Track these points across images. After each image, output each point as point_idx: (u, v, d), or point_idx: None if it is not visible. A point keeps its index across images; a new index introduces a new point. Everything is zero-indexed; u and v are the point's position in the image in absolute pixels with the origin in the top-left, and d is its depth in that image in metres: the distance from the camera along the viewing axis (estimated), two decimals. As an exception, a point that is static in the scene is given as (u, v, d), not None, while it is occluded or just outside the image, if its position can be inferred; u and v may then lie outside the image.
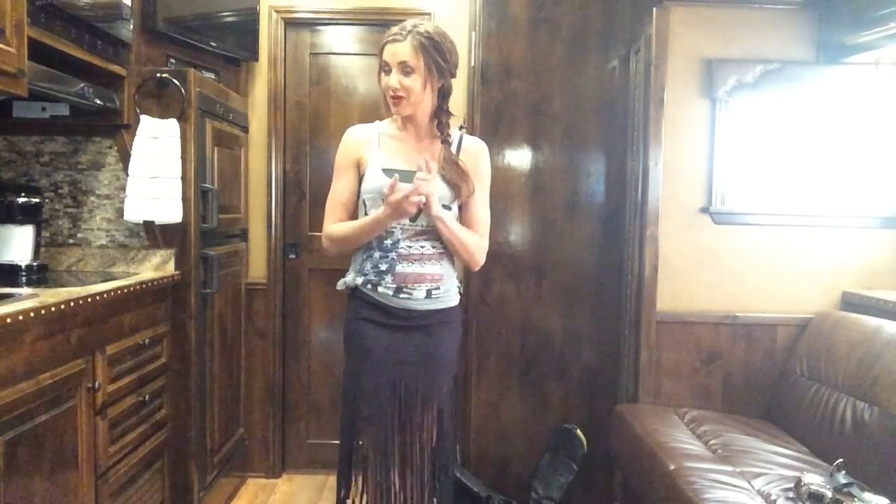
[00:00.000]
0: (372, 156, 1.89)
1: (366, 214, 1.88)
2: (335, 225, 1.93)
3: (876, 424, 2.08)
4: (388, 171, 1.83)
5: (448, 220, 1.84)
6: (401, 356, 1.88)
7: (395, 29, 1.84)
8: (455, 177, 1.87)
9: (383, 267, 1.86)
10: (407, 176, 1.80)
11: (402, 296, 1.86)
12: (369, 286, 1.87)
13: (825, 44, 2.63)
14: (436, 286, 1.89)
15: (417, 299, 1.87)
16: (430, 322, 1.90)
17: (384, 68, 1.84)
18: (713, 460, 2.14)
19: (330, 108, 3.26)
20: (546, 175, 2.97)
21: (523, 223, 2.98)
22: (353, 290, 1.92)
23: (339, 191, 1.95)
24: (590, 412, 2.97)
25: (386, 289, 1.85)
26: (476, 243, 1.92)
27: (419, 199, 1.72)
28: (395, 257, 1.85)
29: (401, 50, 1.80)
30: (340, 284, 1.96)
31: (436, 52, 1.82)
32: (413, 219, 1.83)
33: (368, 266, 1.88)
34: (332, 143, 3.23)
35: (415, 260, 1.86)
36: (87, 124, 2.36)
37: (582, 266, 2.97)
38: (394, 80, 1.81)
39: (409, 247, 1.86)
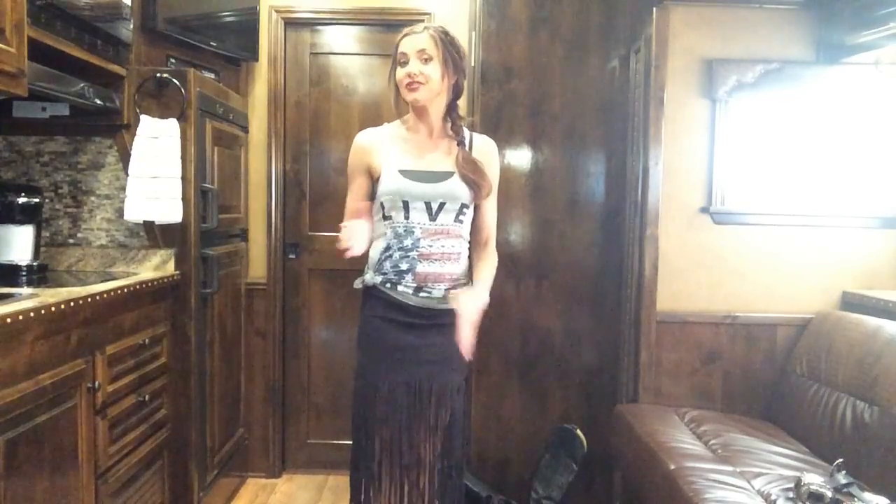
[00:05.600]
0: (385, 158, 1.89)
1: (384, 216, 1.88)
2: None
3: (876, 424, 2.08)
4: (405, 173, 1.85)
5: (485, 292, 1.89)
6: (417, 355, 1.88)
7: (407, 28, 1.88)
8: (474, 177, 1.89)
9: (404, 266, 1.86)
10: (423, 176, 1.84)
11: (422, 294, 1.86)
12: (388, 285, 1.87)
13: (825, 44, 2.63)
14: (454, 286, 1.90)
15: (437, 298, 1.88)
16: (447, 322, 1.89)
17: (400, 60, 1.85)
18: (713, 460, 2.14)
19: (330, 108, 3.26)
20: (546, 175, 2.97)
21: (523, 223, 2.98)
22: (371, 289, 1.91)
23: (353, 198, 1.96)
24: (590, 412, 2.98)
25: (406, 287, 1.86)
26: (493, 268, 1.98)
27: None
28: (415, 256, 1.85)
29: (420, 40, 1.83)
30: (358, 283, 1.96)
31: (451, 47, 1.86)
32: (433, 217, 1.85)
33: (388, 265, 1.87)
34: (332, 143, 3.26)
35: (435, 259, 1.86)
36: (87, 124, 2.36)
37: (582, 266, 2.98)
38: (413, 66, 1.83)
39: (430, 245, 1.86)
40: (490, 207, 1.99)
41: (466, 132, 1.97)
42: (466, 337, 1.76)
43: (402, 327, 1.88)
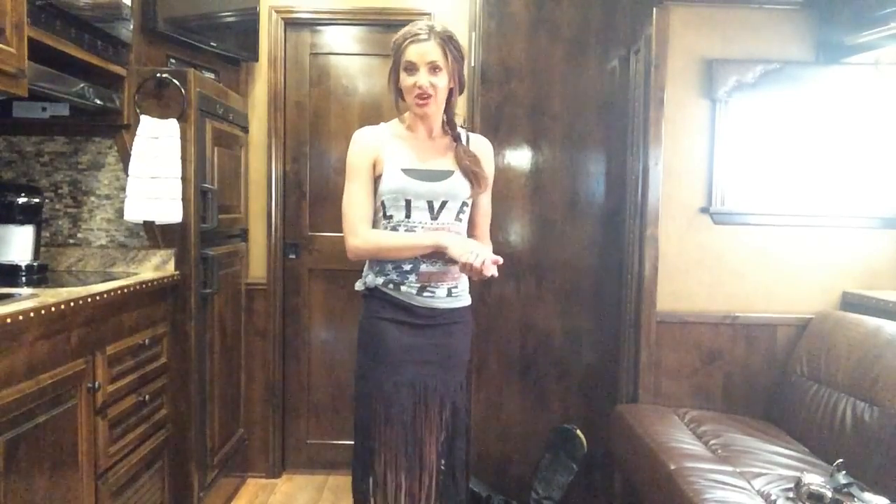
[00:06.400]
0: (388, 156, 1.88)
1: (385, 216, 1.87)
2: (375, 233, 1.87)
3: (876, 424, 2.08)
4: (407, 171, 1.85)
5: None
6: (421, 356, 1.88)
7: (412, 29, 1.84)
8: (476, 168, 1.90)
9: (407, 266, 1.86)
10: (425, 175, 1.84)
11: (425, 294, 1.87)
12: (391, 286, 1.87)
13: (825, 44, 2.63)
14: (455, 284, 1.91)
15: (440, 297, 1.88)
16: (449, 321, 1.91)
17: (408, 68, 1.83)
18: (713, 460, 2.14)
19: (330, 108, 3.26)
20: (546, 175, 2.97)
21: (523, 223, 2.98)
22: (373, 291, 1.91)
23: (360, 193, 1.88)
24: (590, 412, 2.98)
25: (409, 288, 1.86)
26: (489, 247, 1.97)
27: (491, 270, 1.72)
28: (418, 256, 1.85)
29: (428, 49, 1.81)
30: (359, 285, 1.95)
31: (456, 52, 1.85)
32: (434, 216, 1.85)
33: (390, 266, 1.87)
34: (332, 144, 3.25)
35: (438, 259, 1.86)
36: (87, 124, 2.36)
37: (582, 266, 2.98)
38: (424, 79, 1.81)
39: None
40: (485, 203, 2.01)
41: (462, 131, 1.98)
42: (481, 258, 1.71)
43: (406, 328, 1.88)
